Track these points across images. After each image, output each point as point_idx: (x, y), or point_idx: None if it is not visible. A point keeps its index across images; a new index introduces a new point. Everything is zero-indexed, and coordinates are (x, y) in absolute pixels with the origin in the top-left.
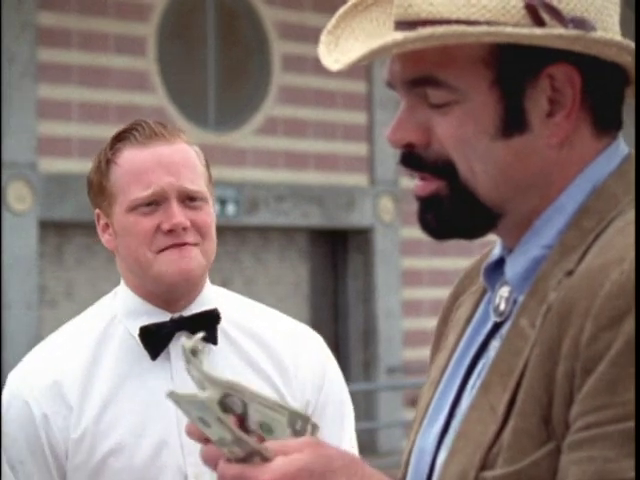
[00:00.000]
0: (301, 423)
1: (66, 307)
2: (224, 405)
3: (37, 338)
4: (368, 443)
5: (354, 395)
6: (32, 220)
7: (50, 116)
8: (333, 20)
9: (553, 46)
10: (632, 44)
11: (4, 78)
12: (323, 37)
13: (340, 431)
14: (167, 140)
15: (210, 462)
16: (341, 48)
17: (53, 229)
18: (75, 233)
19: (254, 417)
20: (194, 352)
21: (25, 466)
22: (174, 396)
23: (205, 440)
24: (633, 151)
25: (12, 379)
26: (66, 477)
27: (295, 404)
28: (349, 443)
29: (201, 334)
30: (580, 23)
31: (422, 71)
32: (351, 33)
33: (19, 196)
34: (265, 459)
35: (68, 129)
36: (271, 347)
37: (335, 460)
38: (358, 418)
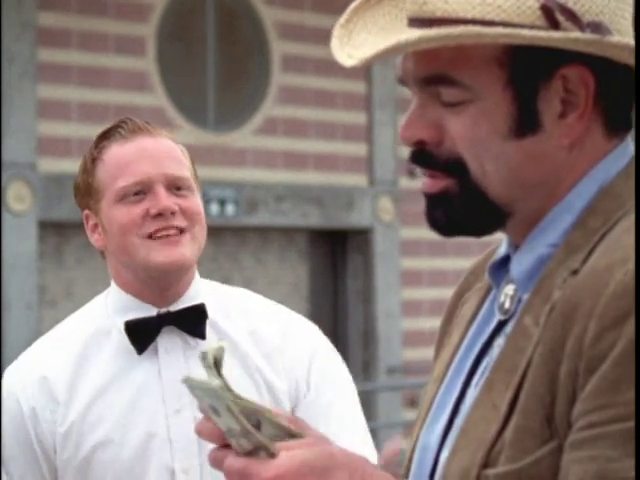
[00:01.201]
0: None
1: (66, 307)
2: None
3: (37, 338)
4: None
5: None
6: (32, 220)
7: (50, 116)
8: (346, 14)
9: (569, 48)
10: None
11: (4, 78)
12: (336, 31)
13: (342, 403)
14: (151, 134)
15: (216, 465)
16: (353, 42)
17: (53, 229)
18: (75, 233)
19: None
20: (217, 362)
21: (16, 462)
22: (188, 381)
23: (214, 439)
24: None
25: (6, 377)
26: (57, 472)
27: (283, 394)
28: (352, 412)
29: (224, 344)
30: (597, 27)
31: (435, 69)
32: (363, 27)
33: (19, 196)
34: (270, 454)
35: (68, 129)
36: (260, 334)
37: (337, 456)
38: None
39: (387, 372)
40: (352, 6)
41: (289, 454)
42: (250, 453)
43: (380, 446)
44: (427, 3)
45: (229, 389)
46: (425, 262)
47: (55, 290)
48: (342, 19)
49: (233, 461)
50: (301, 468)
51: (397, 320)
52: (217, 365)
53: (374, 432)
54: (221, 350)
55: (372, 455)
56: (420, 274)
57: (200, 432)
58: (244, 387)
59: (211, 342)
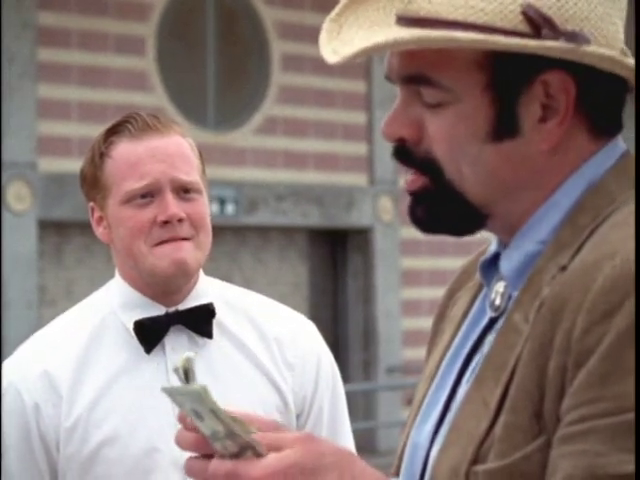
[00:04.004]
0: None
1: (66, 306)
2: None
3: None
4: (367, 442)
5: (354, 395)
6: (32, 220)
7: (50, 116)
8: (337, 8)
9: (546, 55)
10: (621, 58)
11: (4, 78)
12: (326, 24)
13: (336, 422)
14: (161, 132)
15: (195, 474)
16: (342, 37)
17: (53, 229)
18: (75, 233)
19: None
20: (186, 372)
21: (14, 457)
22: (168, 389)
23: (193, 448)
24: (632, 150)
25: (6, 370)
26: (56, 469)
27: (289, 394)
28: (345, 433)
29: (192, 354)
30: (573, 36)
31: (416, 69)
32: (355, 21)
33: (19, 196)
34: (258, 454)
35: (68, 129)
36: (267, 335)
37: (326, 456)
38: (358, 418)
39: (387, 372)
40: (344, 0)
41: (278, 455)
42: (236, 455)
43: (379, 445)
44: (412, 2)
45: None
46: (425, 262)
47: (55, 290)
48: (333, 13)
49: (219, 464)
50: (290, 468)
51: (397, 320)
52: (187, 376)
53: (374, 431)
54: (190, 361)
55: None
56: (420, 274)
57: (179, 442)
58: (255, 384)
59: (187, 352)
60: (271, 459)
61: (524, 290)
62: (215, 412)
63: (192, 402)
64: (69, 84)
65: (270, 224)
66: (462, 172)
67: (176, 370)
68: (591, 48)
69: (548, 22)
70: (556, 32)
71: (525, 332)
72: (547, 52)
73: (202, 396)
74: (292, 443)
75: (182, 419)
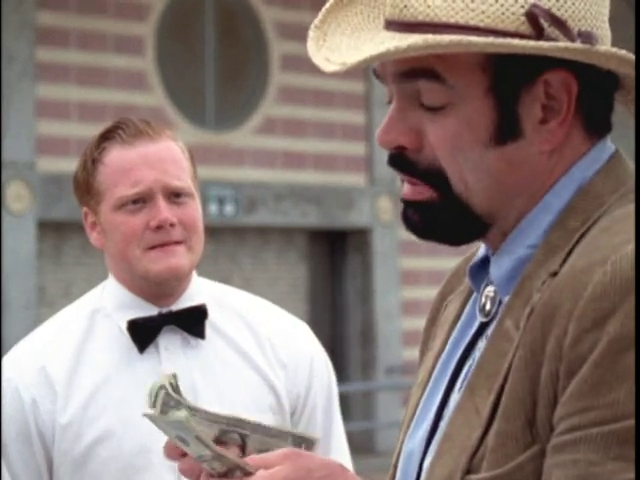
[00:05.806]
0: (305, 446)
1: (64, 307)
2: (220, 440)
3: None
4: (367, 443)
5: (353, 395)
6: (31, 220)
7: (49, 116)
8: (320, 15)
9: (556, 56)
10: (631, 55)
11: (3, 78)
12: (311, 32)
13: (330, 421)
14: (152, 138)
15: (189, 475)
16: (329, 44)
17: (52, 229)
18: (74, 233)
19: (253, 446)
20: (175, 388)
21: (13, 452)
22: (150, 416)
23: (184, 455)
24: (632, 150)
25: (4, 366)
26: (53, 465)
27: (283, 393)
28: (338, 432)
29: (171, 373)
30: (588, 36)
31: (419, 63)
32: (337, 27)
33: (18, 196)
34: (247, 473)
35: (67, 129)
36: (260, 335)
37: (315, 471)
38: (357, 418)
39: (386, 372)
40: (326, 7)
41: (267, 473)
42: (225, 475)
43: (378, 445)
44: (408, 7)
45: (195, 409)
46: (424, 262)
47: (54, 290)
48: (317, 20)
49: None
50: None
51: (396, 320)
52: (176, 391)
53: (373, 431)
54: (170, 377)
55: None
56: (419, 274)
57: (184, 471)
58: (248, 383)
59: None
60: (260, 477)
61: (514, 296)
62: (200, 438)
63: (176, 430)
64: (68, 84)
65: (269, 224)
66: (466, 180)
67: (152, 394)
68: (603, 48)
69: (559, 23)
70: (567, 33)
71: (516, 339)
72: (560, 53)
73: (185, 424)
74: (281, 460)
75: (169, 452)
